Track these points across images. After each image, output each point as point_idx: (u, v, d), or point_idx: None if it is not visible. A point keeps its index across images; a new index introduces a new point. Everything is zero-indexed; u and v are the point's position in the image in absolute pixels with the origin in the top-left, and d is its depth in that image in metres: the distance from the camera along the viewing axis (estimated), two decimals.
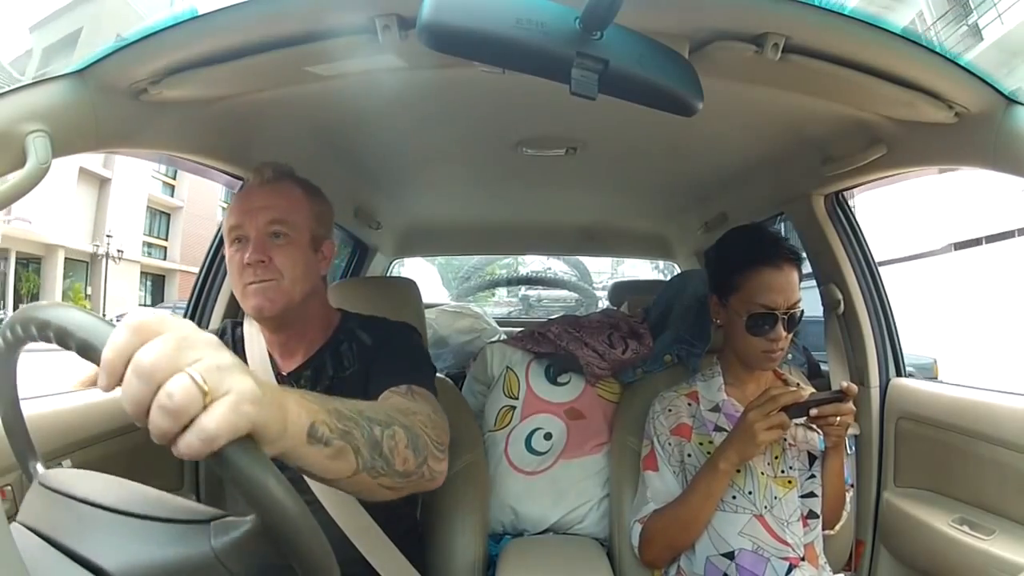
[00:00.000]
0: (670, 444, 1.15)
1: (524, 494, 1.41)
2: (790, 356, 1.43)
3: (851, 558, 1.36)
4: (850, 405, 1.03)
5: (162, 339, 0.40)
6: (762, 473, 1.10)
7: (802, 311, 1.10)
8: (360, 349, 1.01)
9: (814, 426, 1.09)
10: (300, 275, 0.96)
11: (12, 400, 0.58)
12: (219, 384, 0.40)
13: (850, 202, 1.40)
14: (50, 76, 0.73)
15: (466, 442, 1.23)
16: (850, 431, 1.38)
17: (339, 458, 0.56)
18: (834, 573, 1.16)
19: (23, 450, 0.60)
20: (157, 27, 0.73)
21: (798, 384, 1.19)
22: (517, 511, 1.41)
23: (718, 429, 1.14)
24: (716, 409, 1.16)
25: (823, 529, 1.13)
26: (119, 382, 0.40)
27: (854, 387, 1.03)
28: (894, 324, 1.41)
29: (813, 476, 1.12)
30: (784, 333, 1.08)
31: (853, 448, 1.38)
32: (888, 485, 1.33)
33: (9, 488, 0.82)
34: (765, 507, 1.08)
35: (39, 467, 0.60)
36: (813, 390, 1.17)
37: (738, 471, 1.08)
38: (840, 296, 1.38)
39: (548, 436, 1.42)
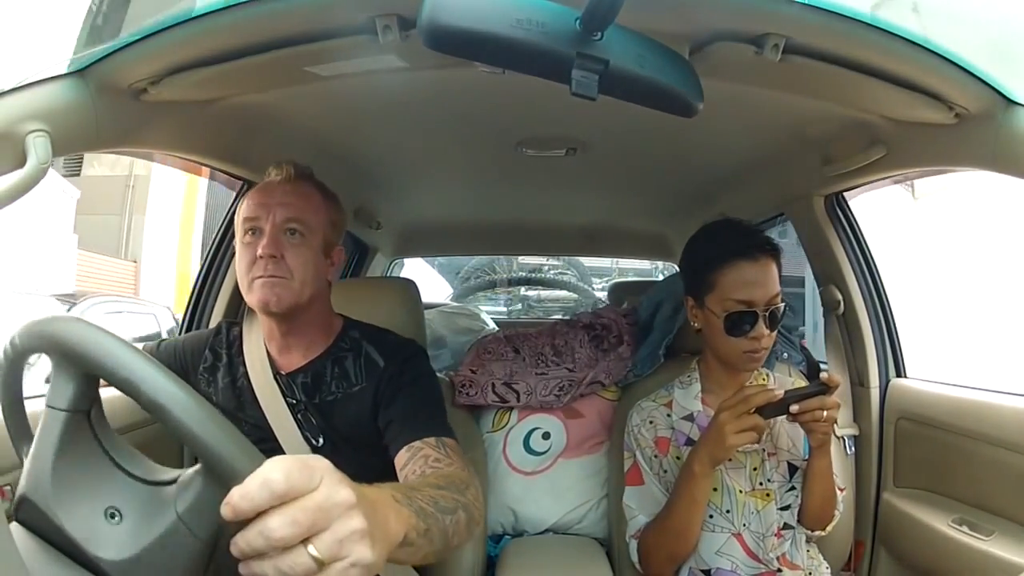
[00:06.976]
0: (655, 457, 1.11)
1: (523, 494, 1.41)
2: (786, 356, 1.43)
3: (850, 559, 1.36)
4: (834, 398, 0.95)
5: (297, 511, 0.43)
6: (740, 491, 1.06)
7: (785, 306, 1.03)
8: (368, 366, 1.00)
9: (799, 425, 1.01)
10: (310, 277, 0.96)
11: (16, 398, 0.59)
12: (337, 553, 0.43)
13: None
14: (50, 76, 0.73)
15: (464, 443, 1.21)
16: (849, 432, 1.39)
17: (414, 554, 0.60)
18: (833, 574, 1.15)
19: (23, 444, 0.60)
20: (157, 27, 0.72)
21: (767, 377, 1.14)
22: (516, 512, 1.41)
23: (689, 443, 1.08)
24: (690, 419, 1.10)
25: (812, 530, 1.09)
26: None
27: (836, 378, 0.95)
28: (894, 324, 1.41)
29: (793, 488, 1.07)
30: (766, 331, 1.01)
31: (852, 448, 1.38)
32: (888, 485, 1.33)
33: (8, 488, 0.82)
34: (744, 524, 1.05)
35: None
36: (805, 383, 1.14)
37: (715, 489, 1.04)
38: (840, 297, 1.38)
39: (546, 436, 1.42)
